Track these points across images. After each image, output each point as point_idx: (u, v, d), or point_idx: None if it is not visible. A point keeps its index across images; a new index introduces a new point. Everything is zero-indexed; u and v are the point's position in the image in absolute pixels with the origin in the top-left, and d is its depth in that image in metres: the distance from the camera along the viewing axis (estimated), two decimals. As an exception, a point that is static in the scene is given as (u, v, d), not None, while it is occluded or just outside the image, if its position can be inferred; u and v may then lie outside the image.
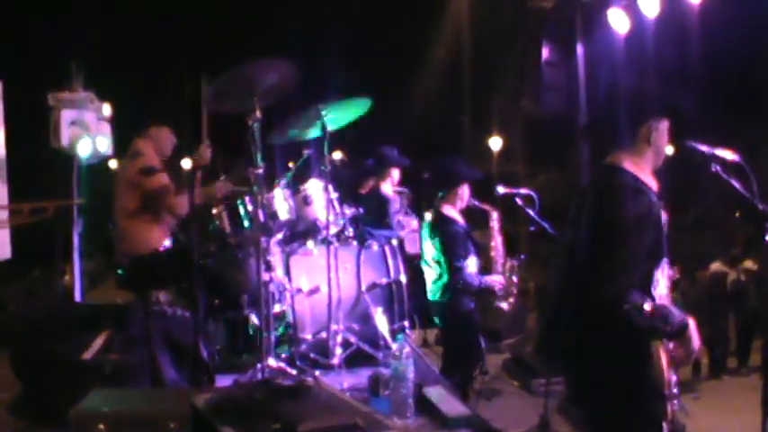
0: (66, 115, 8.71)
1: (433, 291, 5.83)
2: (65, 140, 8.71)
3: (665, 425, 3.17)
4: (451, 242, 5.65)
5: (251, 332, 5.77)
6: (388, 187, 7.11)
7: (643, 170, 3.28)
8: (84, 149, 8.90)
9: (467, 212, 6.02)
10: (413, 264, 6.53)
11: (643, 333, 3.06)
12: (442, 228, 5.73)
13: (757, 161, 3.58)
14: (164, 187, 5.37)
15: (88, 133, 8.82)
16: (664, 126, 3.32)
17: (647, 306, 3.03)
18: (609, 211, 3.23)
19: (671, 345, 3.18)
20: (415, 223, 7.54)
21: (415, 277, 6.16)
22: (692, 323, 3.15)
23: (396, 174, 7.34)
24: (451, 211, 5.82)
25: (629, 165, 3.27)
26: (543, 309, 9.49)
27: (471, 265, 5.68)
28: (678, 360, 3.21)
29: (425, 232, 5.96)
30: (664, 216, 3.26)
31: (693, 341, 3.17)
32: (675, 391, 3.29)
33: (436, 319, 6.00)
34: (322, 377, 4.75)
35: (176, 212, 5.41)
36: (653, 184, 3.29)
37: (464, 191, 5.85)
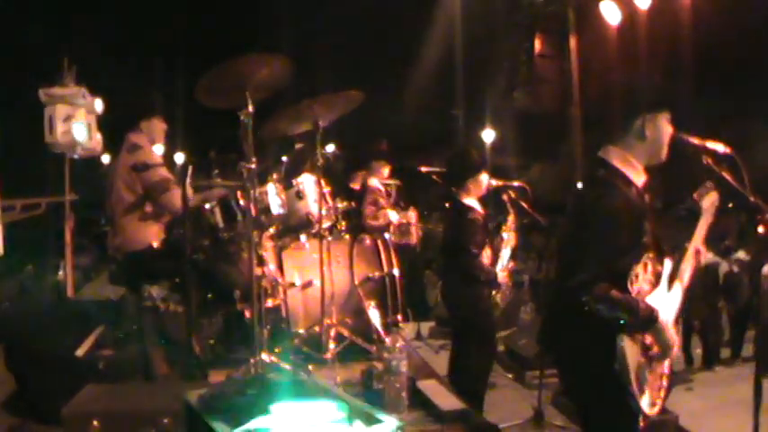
0: (59, 111, 8.66)
1: (451, 280, 5.84)
2: (59, 137, 8.66)
3: (640, 419, 3.17)
4: (471, 229, 5.62)
5: (244, 327, 5.76)
6: (375, 180, 7.11)
7: (631, 164, 3.25)
8: (78, 146, 8.87)
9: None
10: (405, 256, 6.54)
11: (607, 325, 3.07)
12: (461, 215, 5.70)
13: (749, 152, 3.58)
14: (163, 180, 5.36)
15: (81, 128, 8.77)
16: (662, 120, 3.30)
17: (612, 297, 3.04)
18: (584, 205, 3.28)
19: (648, 340, 3.18)
20: (410, 215, 7.54)
21: (409, 270, 6.16)
22: (662, 317, 3.16)
23: (381, 166, 7.34)
24: (471, 200, 5.79)
25: (616, 159, 3.26)
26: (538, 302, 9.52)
27: (485, 255, 5.69)
28: (654, 356, 3.21)
29: (445, 222, 5.98)
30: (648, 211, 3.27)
31: (665, 335, 3.18)
32: (665, 384, 3.30)
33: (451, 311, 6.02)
34: (315, 371, 4.76)
35: (173, 207, 5.40)
36: (639, 179, 3.27)
37: (481, 179, 5.82)
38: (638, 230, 3.17)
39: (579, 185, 3.58)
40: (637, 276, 3.18)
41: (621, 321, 3.07)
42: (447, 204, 6.05)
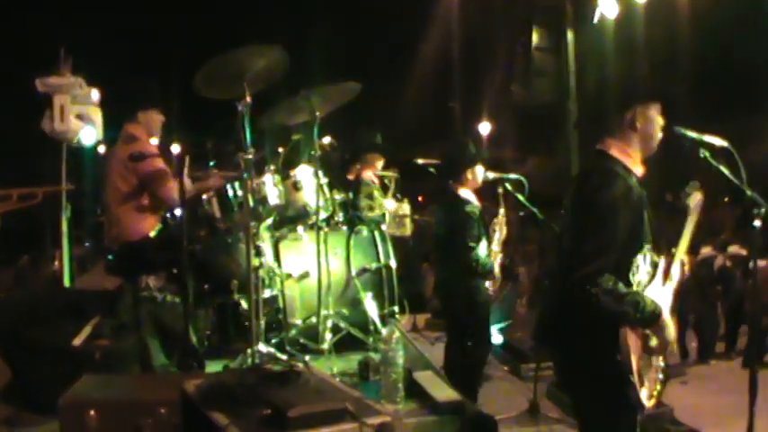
0: (56, 101, 8.63)
1: (447, 273, 5.83)
2: (55, 127, 8.63)
3: (638, 410, 3.18)
4: (467, 222, 5.60)
5: (240, 317, 5.76)
6: (369, 173, 7.11)
7: (630, 156, 3.30)
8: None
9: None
10: (401, 248, 6.53)
11: (612, 317, 3.07)
12: (457, 208, 5.67)
13: (746, 147, 3.58)
14: (159, 171, 5.34)
15: (78, 119, 8.76)
16: (652, 111, 3.33)
17: (618, 291, 3.04)
18: (585, 195, 3.26)
19: (647, 332, 3.19)
20: (405, 207, 7.54)
21: (405, 261, 6.15)
22: (665, 313, 3.17)
23: (375, 159, 7.32)
24: (467, 193, 5.77)
25: (615, 151, 3.30)
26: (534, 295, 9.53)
27: (482, 247, 5.66)
28: (653, 349, 3.22)
29: (440, 215, 5.96)
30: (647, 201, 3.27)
31: (667, 331, 3.19)
32: (660, 377, 3.31)
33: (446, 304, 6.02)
34: (312, 362, 4.77)
35: (170, 198, 5.38)
36: (638, 169, 3.31)
37: (476, 172, 5.80)
38: (638, 220, 3.19)
39: (579, 177, 3.54)
40: (638, 267, 3.19)
41: (625, 315, 3.06)
42: (442, 196, 6.03)
